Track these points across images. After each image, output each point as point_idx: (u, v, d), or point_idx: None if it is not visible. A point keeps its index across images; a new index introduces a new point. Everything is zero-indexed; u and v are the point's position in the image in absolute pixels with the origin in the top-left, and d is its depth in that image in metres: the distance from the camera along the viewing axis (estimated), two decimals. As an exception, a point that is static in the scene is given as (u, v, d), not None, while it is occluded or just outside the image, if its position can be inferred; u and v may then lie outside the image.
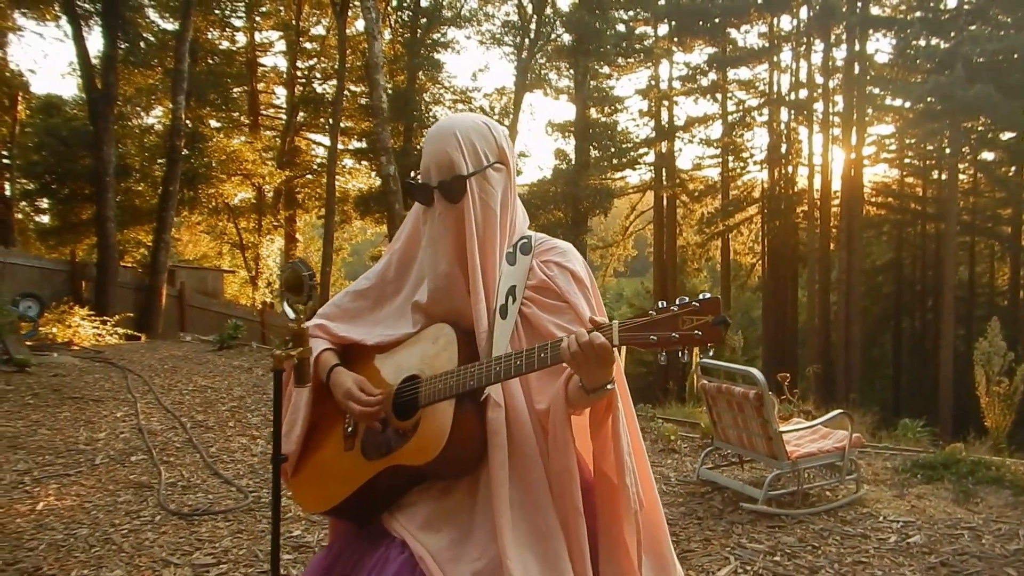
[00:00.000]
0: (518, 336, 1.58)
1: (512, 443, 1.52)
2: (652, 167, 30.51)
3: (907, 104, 28.50)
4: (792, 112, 29.77)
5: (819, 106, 28.90)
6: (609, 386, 1.42)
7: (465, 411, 1.51)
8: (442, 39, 24.76)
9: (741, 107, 30.64)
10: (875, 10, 27.86)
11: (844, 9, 26.88)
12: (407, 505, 1.60)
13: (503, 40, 26.12)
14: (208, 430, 5.83)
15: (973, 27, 26.26)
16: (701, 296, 1.29)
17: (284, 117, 28.01)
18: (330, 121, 25.27)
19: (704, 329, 1.27)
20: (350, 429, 1.71)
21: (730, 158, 30.71)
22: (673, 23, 28.85)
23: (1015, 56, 25.55)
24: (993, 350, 6.70)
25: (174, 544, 3.78)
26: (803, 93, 29.28)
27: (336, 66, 25.15)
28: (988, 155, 31.14)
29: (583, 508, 1.51)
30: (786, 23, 29.84)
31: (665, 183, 30.12)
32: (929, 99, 26.56)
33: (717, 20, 28.46)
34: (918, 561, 3.60)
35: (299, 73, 27.44)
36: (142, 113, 22.85)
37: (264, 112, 28.66)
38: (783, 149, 29.81)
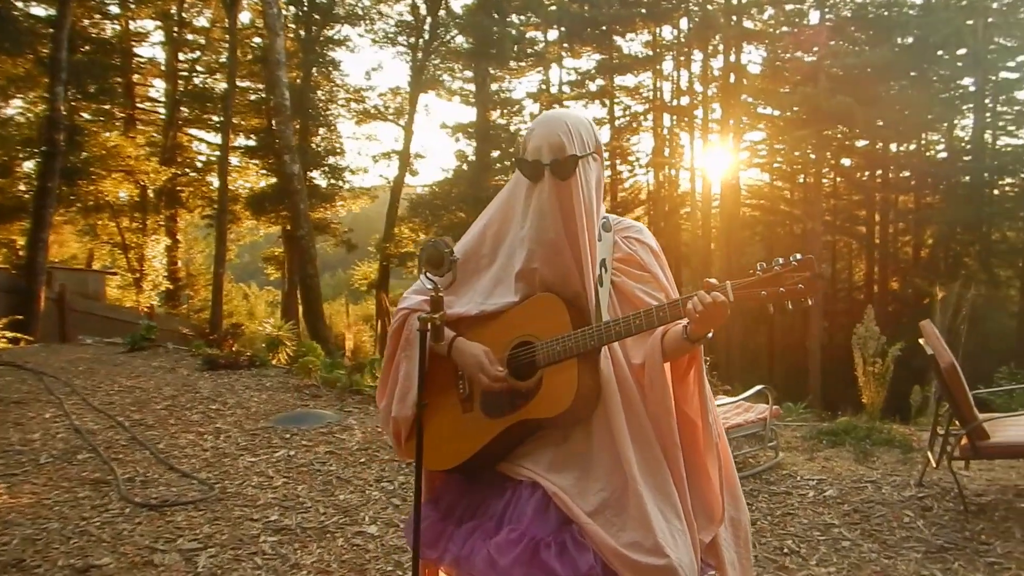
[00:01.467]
0: (612, 302, 1.83)
1: (620, 391, 1.78)
2: (543, 169, 31.18)
3: (776, 113, 30.45)
4: (674, 118, 31.16)
5: (699, 113, 30.39)
6: (710, 335, 1.70)
7: (584, 367, 1.75)
8: (336, 36, 24.58)
9: (627, 112, 31.79)
10: (748, 24, 29.52)
11: (721, 21, 28.38)
12: (528, 452, 1.83)
13: (396, 40, 26.13)
14: (149, 428, 5.80)
15: (833, 42, 28.31)
16: (797, 256, 1.58)
17: (163, 111, 26.94)
18: (215, 117, 24.64)
19: (806, 283, 1.55)
20: (466, 392, 1.90)
21: (618, 161, 31.81)
22: (563, 29, 29.62)
23: (868, 70, 27.70)
24: (868, 335, 7.43)
25: (154, 533, 3.86)
26: (685, 100, 30.72)
27: (222, 59, 24.53)
28: (846, 161, 33.59)
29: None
30: (668, 33, 31.21)
31: (555, 185, 30.84)
32: (796, 108, 28.44)
33: (604, 28, 29.41)
34: (834, 510, 4.17)
35: (181, 66, 26.48)
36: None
37: (141, 105, 27.48)
38: (666, 153, 31.16)
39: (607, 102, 31.63)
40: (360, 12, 25.61)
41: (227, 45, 22.12)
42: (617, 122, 31.79)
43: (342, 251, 28.91)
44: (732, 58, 29.32)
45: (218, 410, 6.38)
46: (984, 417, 4.01)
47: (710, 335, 1.71)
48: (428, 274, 1.80)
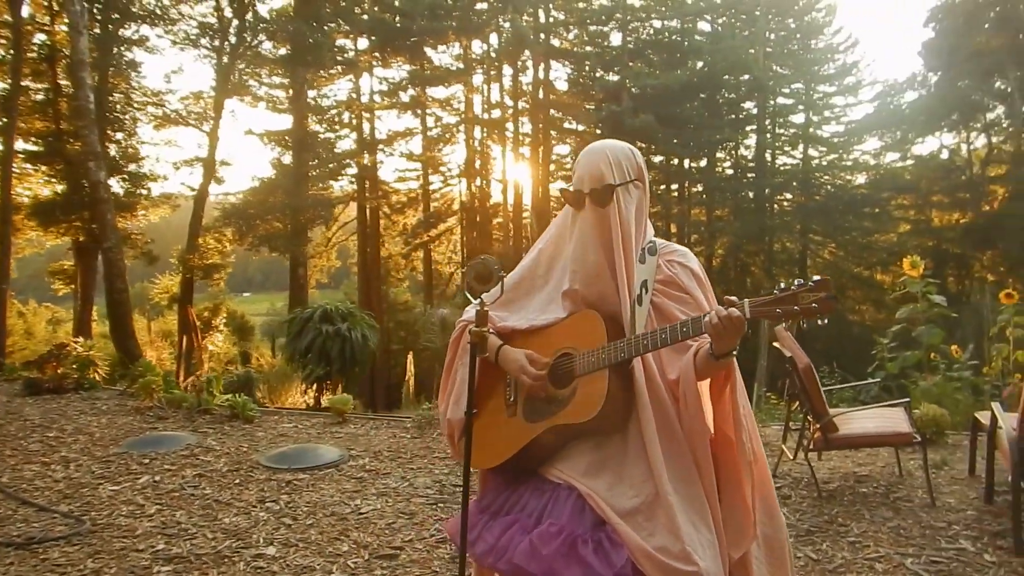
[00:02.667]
0: (651, 320, 1.94)
1: (653, 403, 1.88)
2: (355, 179, 30.79)
3: (581, 128, 32.00)
4: (485, 131, 31.86)
5: (510, 126, 31.26)
6: (734, 352, 1.80)
7: (615, 378, 1.86)
8: (134, 35, 22.92)
9: (439, 123, 32.09)
10: (555, 42, 30.83)
11: (530, 38, 29.43)
12: (566, 457, 1.94)
13: (199, 42, 24.77)
14: (-19, 461, 5.25)
15: (632, 64, 30.25)
16: (814, 278, 1.68)
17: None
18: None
19: (820, 302, 1.64)
20: (512, 398, 2.04)
21: (430, 172, 32.01)
22: (374, 38, 29.43)
23: (666, 91, 29.89)
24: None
25: (32, 573, 3.55)
26: (496, 113, 31.49)
27: (3, 56, 22.16)
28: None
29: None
30: (478, 47, 31.87)
31: (368, 195, 30.58)
32: (601, 125, 30.09)
33: (415, 39, 29.53)
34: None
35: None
36: None
37: None
38: (478, 165, 31.78)
39: (419, 113, 31.79)
40: (159, 12, 24.05)
41: (6, 41, 20.08)
42: (430, 133, 32.02)
43: (140, 263, 27.00)
44: (541, 74, 30.49)
45: (58, 437, 5.87)
46: (835, 412, 4.56)
47: (734, 352, 1.80)
48: (473, 290, 1.94)
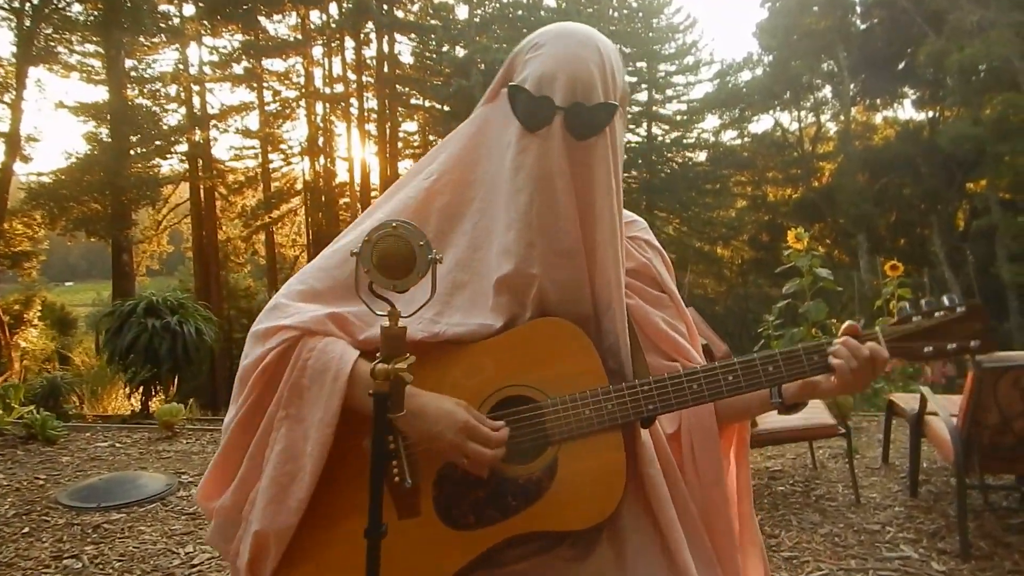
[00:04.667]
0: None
1: (662, 464, 1.18)
2: (186, 157, 28.39)
3: (428, 104, 31.02)
4: (328, 106, 30.24)
5: (354, 101, 29.81)
6: (809, 401, 1.20)
7: (630, 445, 1.11)
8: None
9: (278, 98, 30.14)
10: (399, 13, 29.61)
11: (374, 8, 28.09)
12: (521, 573, 1.12)
13: (-5, 2, 21.85)
14: None
15: (479, 39, 29.56)
16: (955, 301, 1.12)
17: None
18: None
19: (982, 338, 1.11)
20: (407, 481, 1.08)
21: (270, 150, 30.09)
22: (201, 4, 27.13)
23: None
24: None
25: None
26: (339, 88, 29.94)
27: None
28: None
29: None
30: (317, 17, 30.10)
31: (202, 174, 28.30)
32: (451, 100, 29.24)
33: (248, 7, 27.51)
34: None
35: None
36: None
37: None
38: (321, 142, 30.16)
39: (256, 86, 29.72)
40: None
41: None
42: (268, 108, 30.02)
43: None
44: (385, 47, 29.23)
45: None
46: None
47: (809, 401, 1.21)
48: (374, 286, 0.97)
